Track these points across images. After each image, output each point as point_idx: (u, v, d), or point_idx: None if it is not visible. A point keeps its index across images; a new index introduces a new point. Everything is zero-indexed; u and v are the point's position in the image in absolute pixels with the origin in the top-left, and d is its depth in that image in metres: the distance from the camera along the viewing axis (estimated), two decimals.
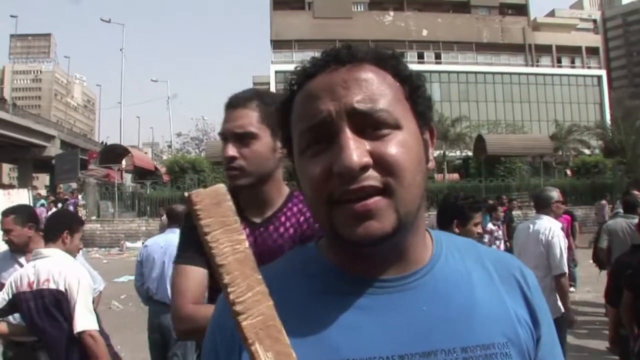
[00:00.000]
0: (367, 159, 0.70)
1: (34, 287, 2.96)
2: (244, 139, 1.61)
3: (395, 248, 0.76)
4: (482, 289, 0.80)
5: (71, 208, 21.95)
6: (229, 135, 1.63)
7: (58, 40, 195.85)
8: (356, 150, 0.70)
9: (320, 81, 0.77)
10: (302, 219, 1.70)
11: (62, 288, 2.93)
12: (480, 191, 21.56)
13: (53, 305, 2.92)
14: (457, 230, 3.05)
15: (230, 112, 1.66)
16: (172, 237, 4.49)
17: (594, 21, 79.04)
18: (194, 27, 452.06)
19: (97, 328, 2.99)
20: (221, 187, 0.68)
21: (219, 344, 0.80)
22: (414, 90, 0.80)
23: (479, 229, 3.21)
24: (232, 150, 1.61)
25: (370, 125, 0.73)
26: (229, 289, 0.64)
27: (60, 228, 3.20)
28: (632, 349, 3.78)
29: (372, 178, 0.70)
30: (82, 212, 21.58)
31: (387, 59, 0.80)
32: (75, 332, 2.87)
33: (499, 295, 0.81)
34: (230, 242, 0.65)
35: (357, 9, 52.82)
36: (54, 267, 3.01)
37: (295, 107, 0.80)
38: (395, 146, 0.72)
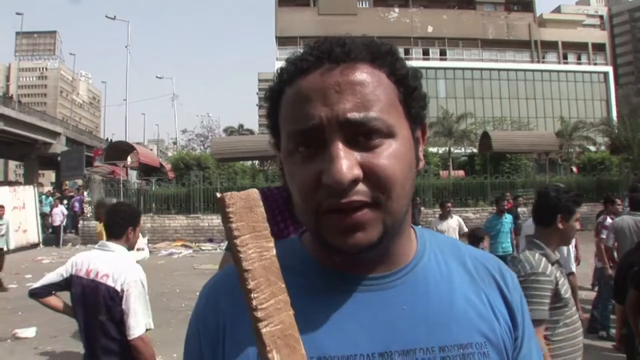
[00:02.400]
0: (357, 172, 0.69)
1: (91, 276, 3.03)
2: None
3: (382, 250, 0.76)
4: (462, 288, 0.81)
5: (77, 205, 22.06)
6: None
7: (63, 37, 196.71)
8: (346, 163, 0.68)
9: (312, 81, 0.74)
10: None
11: (118, 288, 2.97)
12: (485, 188, 21.50)
13: (103, 301, 2.98)
14: (560, 226, 2.84)
15: None
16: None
17: (601, 17, 78.50)
18: (199, 24, 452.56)
19: (148, 328, 3.03)
20: (254, 192, 0.67)
21: (202, 334, 0.81)
22: (409, 92, 0.78)
23: (578, 225, 2.95)
24: None
25: (362, 133, 0.71)
26: (252, 295, 0.64)
27: (126, 224, 3.26)
28: (637, 346, 3.76)
29: (361, 193, 0.70)
30: (87, 209, 21.65)
31: (384, 56, 0.77)
32: (129, 337, 2.90)
33: (479, 295, 0.81)
34: (259, 248, 0.65)
35: (362, 5, 52.70)
36: (116, 264, 3.07)
37: (285, 103, 0.77)
38: (386, 158, 0.71)
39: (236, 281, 0.83)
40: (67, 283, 3.12)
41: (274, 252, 0.66)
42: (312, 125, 0.71)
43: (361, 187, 0.70)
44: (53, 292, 3.20)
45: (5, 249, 11.49)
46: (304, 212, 0.74)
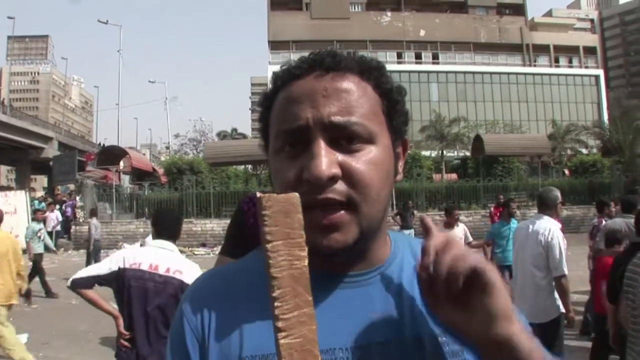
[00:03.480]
0: (336, 171, 0.73)
1: (160, 271, 3.24)
2: None
3: (357, 252, 0.80)
4: None
5: (69, 210, 21.96)
6: None
7: (55, 41, 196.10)
8: (326, 160, 0.73)
9: (302, 85, 0.79)
10: None
11: (187, 282, 3.13)
12: (478, 191, 21.58)
13: (175, 293, 3.16)
14: None
15: None
16: None
17: (591, 21, 79.21)
18: (191, 28, 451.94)
19: None
20: (294, 197, 0.67)
21: (187, 335, 0.81)
22: (392, 104, 0.83)
23: None
24: None
25: (344, 137, 0.76)
26: (276, 304, 0.63)
27: (179, 227, 3.59)
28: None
29: (338, 192, 0.74)
30: (79, 214, 21.56)
31: (371, 70, 0.83)
32: None
33: None
34: (290, 256, 0.64)
35: (355, 9, 52.84)
36: (182, 261, 3.39)
37: (276, 105, 0.82)
38: (365, 163, 0.76)
39: (220, 283, 0.86)
40: (115, 277, 3.25)
41: (306, 262, 0.65)
42: (299, 126, 0.76)
43: (339, 186, 0.74)
44: (94, 285, 3.35)
45: (42, 253, 11.56)
46: None
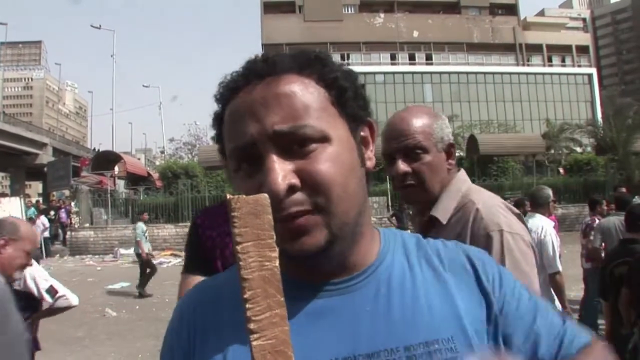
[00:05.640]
0: (293, 181, 0.71)
1: None
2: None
3: (337, 255, 0.76)
4: (426, 285, 0.80)
5: (64, 216, 21.88)
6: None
7: (49, 47, 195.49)
8: (280, 174, 0.70)
9: (242, 99, 0.76)
10: None
11: None
12: None
13: None
14: None
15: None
16: None
17: (584, 20, 79.55)
18: (184, 32, 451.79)
19: None
20: (264, 198, 0.65)
21: (175, 350, 0.82)
22: (340, 93, 0.78)
23: None
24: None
25: (295, 142, 0.73)
26: (247, 305, 0.62)
27: None
28: (630, 346, 3.79)
29: (299, 202, 0.71)
30: (75, 220, 21.49)
31: (310, 63, 0.79)
32: None
33: (445, 289, 0.80)
34: (261, 257, 0.63)
35: (348, 11, 52.90)
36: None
37: (224, 123, 0.80)
38: (321, 162, 0.73)
39: (209, 295, 0.84)
40: None
41: (277, 263, 0.64)
42: (246, 142, 0.74)
43: (299, 195, 0.71)
44: None
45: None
46: None
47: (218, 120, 0.82)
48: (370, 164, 0.83)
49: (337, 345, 0.74)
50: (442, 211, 1.68)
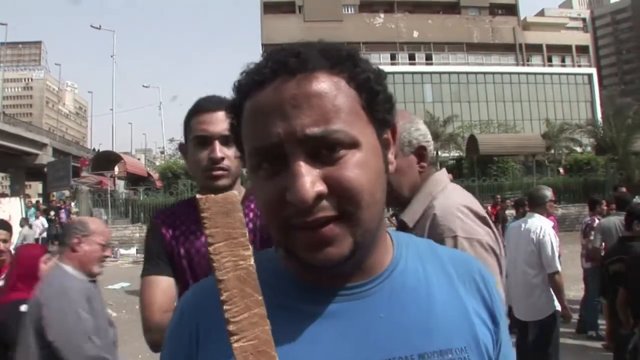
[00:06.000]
0: (321, 188, 0.67)
1: None
2: (229, 141, 1.62)
3: (355, 262, 0.74)
4: (441, 292, 0.79)
5: (63, 216, 21.86)
6: (216, 137, 1.64)
7: (49, 47, 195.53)
8: (309, 180, 0.66)
9: (268, 95, 0.71)
10: (259, 218, 1.72)
11: None
12: (473, 191, 21.60)
13: None
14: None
15: (210, 114, 1.66)
16: None
17: (583, 20, 79.60)
18: (185, 33, 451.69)
19: None
20: (233, 195, 0.63)
21: (177, 349, 0.79)
22: (372, 97, 0.74)
23: None
24: (221, 152, 1.63)
25: (324, 147, 0.69)
26: (224, 307, 0.61)
27: None
28: (628, 345, 3.79)
29: (327, 208, 0.68)
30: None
31: (342, 61, 0.73)
32: None
33: (459, 298, 0.80)
34: (234, 257, 0.62)
35: (348, 11, 52.92)
36: None
37: (245, 118, 0.75)
38: (351, 169, 0.69)
39: (210, 293, 0.79)
40: None
41: (252, 261, 0.62)
42: (271, 143, 0.69)
43: (327, 202, 0.68)
44: None
45: None
46: (271, 228, 0.73)
47: (236, 110, 0.77)
48: (392, 168, 0.80)
49: (351, 351, 0.72)
50: (410, 214, 1.68)
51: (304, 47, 0.74)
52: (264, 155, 0.71)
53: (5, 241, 3.72)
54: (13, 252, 3.73)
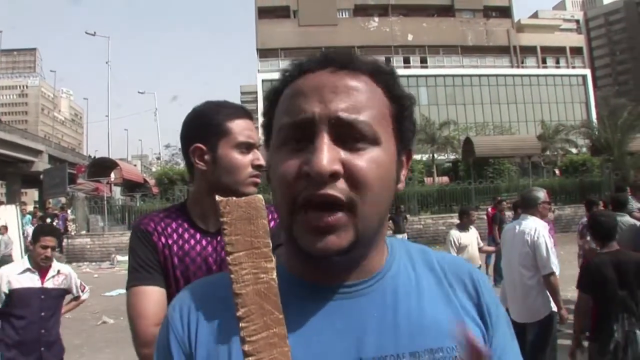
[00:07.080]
0: (338, 167, 0.71)
1: None
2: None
3: (352, 259, 0.77)
4: (431, 294, 0.82)
5: (60, 223, 21.80)
6: (258, 145, 1.69)
7: (44, 54, 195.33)
8: (329, 156, 0.71)
9: (312, 79, 0.78)
10: None
11: None
12: (470, 193, 21.65)
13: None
14: None
15: (250, 122, 1.71)
16: None
17: (577, 21, 79.72)
18: (180, 39, 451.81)
19: None
20: (257, 200, 0.60)
21: (172, 345, 0.78)
22: (401, 110, 0.81)
23: None
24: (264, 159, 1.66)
25: (350, 135, 0.74)
26: (241, 324, 0.55)
27: None
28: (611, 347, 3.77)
29: (338, 189, 0.71)
30: (71, 227, 21.41)
31: (383, 73, 0.81)
32: None
33: (449, 300, 0.83)
34: (255, 269, 0.57)
35: (342, 15, 52.99)
36: None
37: (283, 98, 0.80)
38: (367, 161, 0.74)
39: (208, 290, 0.81)
40: None
41: (274, 275, 0.58)
42: (304, 119, 0.74)
43: (339, 183, 0.72)
44: None
45: None
46: (280, 205, 0.75)
47: (275, 95, 0.83)
48: (400, 186, 0.84)
49: (344, 349, 0.75)
50: None
51: (356, 54, 0.82)
52: (294, 131, 0.75)
53: (54, 248, 4.09)
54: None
